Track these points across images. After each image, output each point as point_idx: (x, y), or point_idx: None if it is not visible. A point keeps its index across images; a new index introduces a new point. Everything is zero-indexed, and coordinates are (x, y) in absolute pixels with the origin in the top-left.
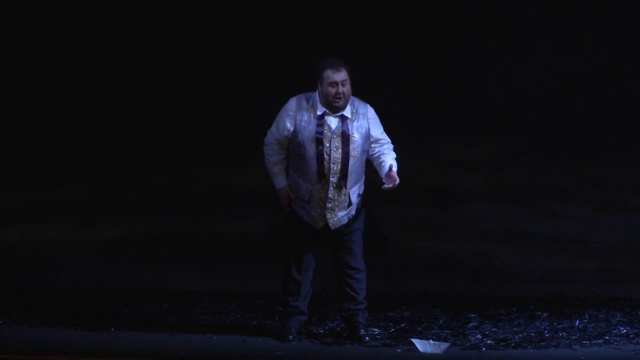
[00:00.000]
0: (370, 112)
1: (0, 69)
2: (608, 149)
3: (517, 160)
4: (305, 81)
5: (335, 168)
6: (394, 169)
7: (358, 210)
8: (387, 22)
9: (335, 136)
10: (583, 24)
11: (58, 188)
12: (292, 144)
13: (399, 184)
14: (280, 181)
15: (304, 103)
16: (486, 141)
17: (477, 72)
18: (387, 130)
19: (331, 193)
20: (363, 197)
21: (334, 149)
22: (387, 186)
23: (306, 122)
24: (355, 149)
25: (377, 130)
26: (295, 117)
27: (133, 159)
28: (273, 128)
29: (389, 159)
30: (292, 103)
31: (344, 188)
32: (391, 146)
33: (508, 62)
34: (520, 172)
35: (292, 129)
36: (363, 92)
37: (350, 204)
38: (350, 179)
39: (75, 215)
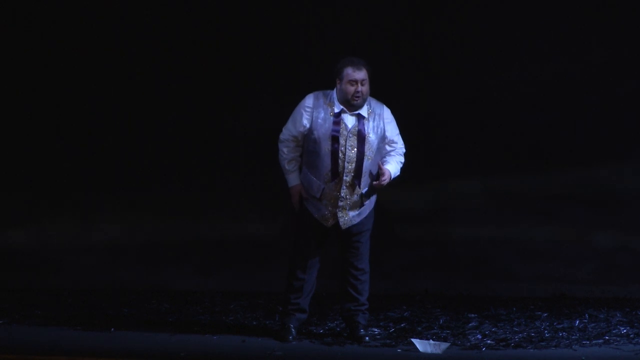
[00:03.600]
0: (387, 112)
1: (0, 69)
2: (608, 149)
3: (517, 159)
4: (307, 83)
5: (349, 167)
6: (392, 171)
7: (369, 211)
8: (388, 22)
9: (351, 135)
10: (583, 24)
11: (58, 188)
12: (307, 141)
13: (388, 182)
14: (294, 179)
15: (321, 100)
16: (487, 141)
17: (478, 72)
18: None
19: (344, 192)
20: (374, 200)
21: (350, 148)
22: (375, 182)
23: (322, 119)
24: (370, 149)
25: (393, 132)
26: (312, 113)
27: (133, 159)
28: (289, 124)
29: (391, 160)
30: (310, 99)
31: (357, 187)
32: (403, 150)
33: (508, 63)
34: (520, 171)
35: (308, 125)
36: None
37: (362, 204)
38: (364, 179)
39: (76, 216)
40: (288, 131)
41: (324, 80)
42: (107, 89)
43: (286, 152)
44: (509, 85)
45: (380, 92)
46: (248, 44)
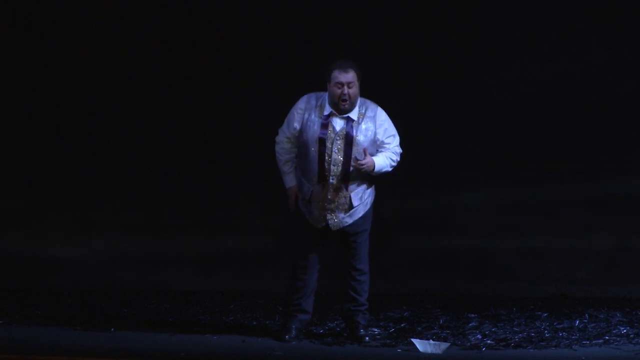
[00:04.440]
0: (380, 115)
1: (0, 69)
2: (608, 149)
3: (517, 159)
4: (307, 83)
5: (335, 170)
6: (377, 162)
7: (363, 212)
8: (388, 22)
9: (338, 138)
10: (583, 24)
11: (58, 188)
12: (299, 143)
13: (372, 173)
14: (290, 180)
15: (313, 102)
16: (487, 141)
17: (478, 72)
18: None
19: (330, 194)
20: (371, 200)
21: (336, 151)
22: (353, 164)
23: (312, 122)
24: (358, 152)
25: (384, 134)
26: (303, 115)
27: (133, 159)
28: (284, 126)
29: (380, 155)
30: (302, 101)
31: (344, 190)
32: (396, 150)
33: (508, 63)
34: (520, 171)
35: (298, 127)
36: (365, 93)
37: (351, 206)
38: (352, 182)
39: (76, 216)
40: (282, 133)
41: (324, 80)
42: (107, 89)
43: (281, 153)
44: (509, 85)
45: (380, 92)
46: (248, 44)
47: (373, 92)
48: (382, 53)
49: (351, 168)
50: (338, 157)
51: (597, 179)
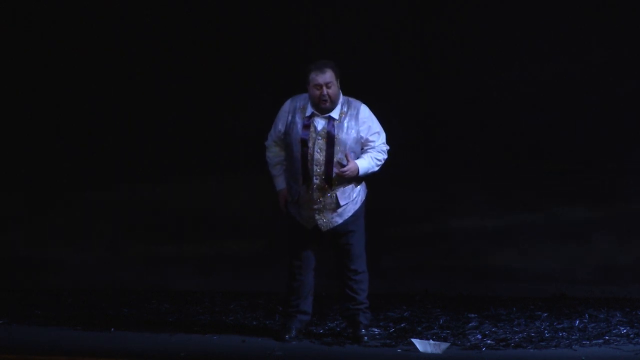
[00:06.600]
0: (363, 112)
1: (0, 69)
2: (608, 149)
3: (517, 159)
4: (307, 83)
5: (317, 170)
6: (361, 165)
7: (353, 212)
8: (388, 22)
9: (320, 138)
10: (583, 24)
11: (58, 188)
12: (284, 145)
13: (348, 174)
14: (280, 183)
15: (297, 104)
16: (487, 141)
17: (478, 72)
18: (389, 129)
19: (316, 194)
20: (361, 198)
21: (318, 151)
22: (337, 171)
23: (295, 123)
24: (341, 151)
25: (368, 132)
26: (287, 117)
27: (133, 159)
28: (272, 129)
29: (365, 156)
30: (287, 104)
31: (329, 189)
32: (382, 148)
33: (508, 63)
34: (520, 171)
35: (283, 129)
36: (364, 93)
37: (338, 205)
38: (336, 182)
39: (75, 215)
40: (270, 136)
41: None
42: (107, 89)
43: (270, 156)
44: (509, 85)
45: (381, 92)
46: (248, 44)
47: (373, 92)
48: (382, 53)
49: (333, 174)
50: (320, 156)
51: (597, 179)
